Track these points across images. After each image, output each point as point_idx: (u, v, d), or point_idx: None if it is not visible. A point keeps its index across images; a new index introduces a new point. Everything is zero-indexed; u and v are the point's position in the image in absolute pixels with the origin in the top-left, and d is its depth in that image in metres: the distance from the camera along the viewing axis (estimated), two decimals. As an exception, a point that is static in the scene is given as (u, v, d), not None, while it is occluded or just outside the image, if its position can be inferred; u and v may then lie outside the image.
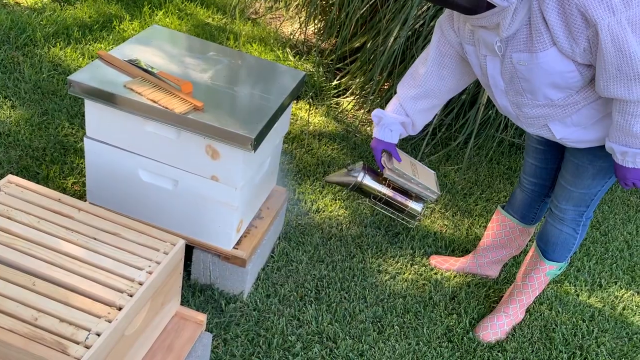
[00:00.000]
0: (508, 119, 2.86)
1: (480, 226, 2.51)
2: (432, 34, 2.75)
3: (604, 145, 1.63)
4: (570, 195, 1.80)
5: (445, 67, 1.73)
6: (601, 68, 1.39)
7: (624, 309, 2.27)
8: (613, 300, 2.30)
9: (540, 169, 1.95)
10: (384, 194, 1.89)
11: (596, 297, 2.30)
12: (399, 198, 1.90)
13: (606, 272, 2.43)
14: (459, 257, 2.30)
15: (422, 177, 1.88)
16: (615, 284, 2.39)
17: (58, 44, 2.95)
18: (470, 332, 2.01)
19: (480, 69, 1.63)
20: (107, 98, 1.61)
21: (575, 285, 2.33)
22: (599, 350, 2.06)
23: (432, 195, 1.87)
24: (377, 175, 1.90)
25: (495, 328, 2.00)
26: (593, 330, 2.14)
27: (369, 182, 1.88)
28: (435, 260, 2.25)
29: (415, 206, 1.91)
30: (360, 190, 1.89)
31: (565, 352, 2.03)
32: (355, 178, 1.86)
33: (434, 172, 1.99)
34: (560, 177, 1.82)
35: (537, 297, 2.22)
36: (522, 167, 2.03)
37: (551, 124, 1.62)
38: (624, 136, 1.48)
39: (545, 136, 1.68)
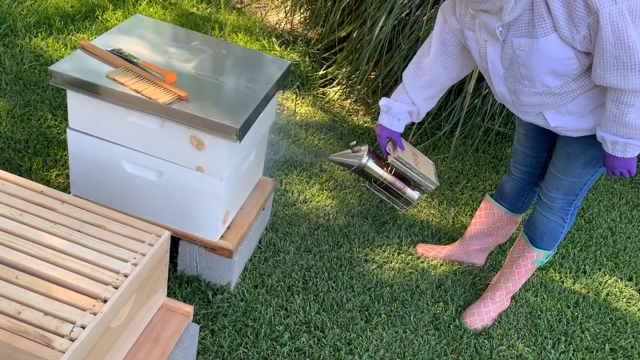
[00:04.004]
0: (494, 107, 2.87)
1: (466, 215, 2.53)
2: (417, 22, 2.75)
3: (594, 135, 1.64)
4: (561, 184, 1.82)
5: (449, 55, 1.74)
6: (599, 56, 1.40)
7: (607, 294, 2.30)
8: (597, 287, 2.33)
9: (531, 158, 1.96)
10: (385, 179, 1.91)
11: (581, 283, 2.33)
12: (399, 184, 1.93)
13: (590, 259, 2.46)
14: (446, 245, 2.31)
15: (422, 167, 1.92)
16: (600, 271, 2.42)
17: (40, 34, 2.91)
18: (457, 320, 2.02)
19: (480, 55, 1.64)
20: (89, 88, 1.59)
21: (560, 272, 2.35)
22: (583, 336, 2.09)
23: (431, 186, 1.91)
24: (380, 160, 1.93)
25: (482, 315, 2.02)
26: (577, 316, 2.17)
27: (372, 166, 1.90)
28: (422, 249, 2.26)
29: (413, 194, 1.94)
30: (362, 172, 1.92)
31: (550, 338, 2.05)
32: (360, 161, 1.89)
33: (432, 162, 2.02)
34: (551, 165, 1.84)
35: (523, 284, 2.24)
36: (512, 156, 2.04)
37: (546, 113, 1.64)
38: (616, 126, 1.50)
39: (540, 124, 1.70)
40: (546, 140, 1.90)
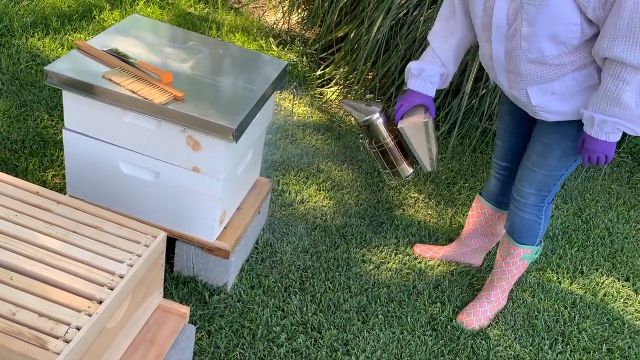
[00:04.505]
0: (492, 108, 2.87)
1: (463, 215, 2.52)
2: (415, 23, 2.75)
3: (573, 123, 1.65)
4: (534, 178, 1.80)
5: (469, 13, 1.72)
6: (611, 24, 1.39)
7: (604, 295, 2.30)
8: (594, 287, 2.33)
9: (510, 153, 1.96)
10: (387, 143, 1.85)
11: (578, 284, 2.33)
12: (397, 154, 1.87)
13: (588, 260, 2.46)
14: (443, 245, 2.31)
15: (429, 146, 1.85)
16: (597, 271, 2.42)
17: (36, 34, 2.90)
18: (454, 320, 2.02)
19: (485, 11, 1.60)
20: (85, 89, 1.58)
21: (557, 273, 2.35)
22: (580, 336, 2.09)
23: (428, 167, 1.85)
24: (389, 124, 1.86)
25: (478, 315, 2.02)
26: (575, 317, 2.17)
27: (380, 126, 1.84)
28: (419, 249, 2.26)
29: (407, 169, 1.90)
30: (368, 128, 1.85)
31: (547, 339, 2.05)
32: (372, 115, 1.83)
33: (437, 147, 1.95)
34: (525, 159, 1.83)
35: (517, 281, 2.24)
36: (493, 152, 2.06)
37: (530, 89, 1.63)
38: (609, 104, 1.49)
39: (522, 100, 1.68)
40: (525, 135, 1.90)
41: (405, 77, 1.83)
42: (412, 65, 1.79)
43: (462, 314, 2.03)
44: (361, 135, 2.05)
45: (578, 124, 1.65)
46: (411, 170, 1.90)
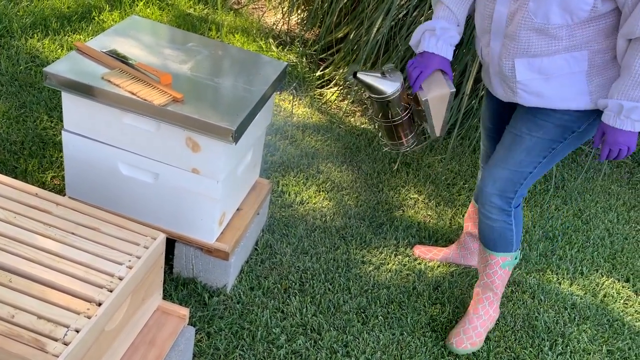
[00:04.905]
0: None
1: (463, 216, 2.52)
2: (415, 23, 2.75)
3: (549, 113, 1.60)
4: (498, 175, 1.71)
5: None
6: None
7: (604, 296, 2.30)
8: (594, 288, 2.33)
9: (490, 155, 1.95)
10: (403, 117, 1.66)
11: (578, 285, 2.33)
12: (407, 129, 1.70)
13: (587, 261, 2.46)
14: (443, 247, 2.31)
15: (448, 114, 1.68)
16: (597, 272, 2.41)
17: (36, 35, 2.90)
18: (454, 322, 2.02)
19: None
20: (84, 90, 1.58)
21: (557, 274, 2.35)
22: (580, 338, 2.09)
23: (439, 134, 1.68)
24: (405, 95, 1.66)
25: (468, 332, 1.90)
26: (575, 318, 2.16)
27: (396, 102, 1.63)
28: (419, 250, 2.26)
29: (412, 141, 1.74)
30: (386, 104, 1.64)
31: (547, 340, 2.05)
32: (392, 91, 1.60)
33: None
34: (491, 160, 1.75)
35: (517, 282, 2.24)
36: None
37: (518, 61, 1.56)
38: (638, 89, 1.41)
39: (506, 74, 1.59)
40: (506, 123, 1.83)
41: (416, 38, 1.64)
42: (430, 24, 1.61)
43: (451, 335, 1.90)
44: (369, 108, 1.78)
45: (554, 116, 1.60)
46: (415, 141, 1.75)
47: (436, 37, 1.60)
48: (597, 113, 1.60)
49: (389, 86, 1.58)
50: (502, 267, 1.88)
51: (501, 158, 1.71)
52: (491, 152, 1.94)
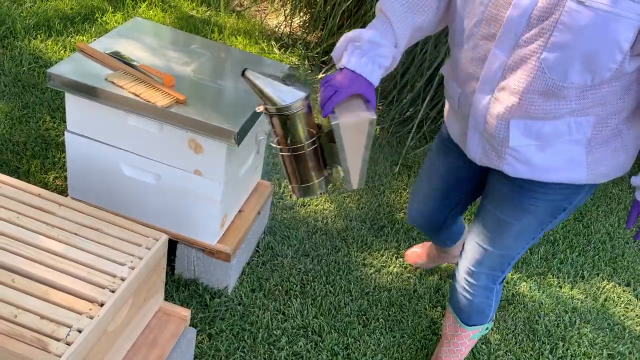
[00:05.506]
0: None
1: (464, 218, 2.53)
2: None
3: (537, 192, 1.37)
4: (486, 256, 1.51)
5: None
6: None
7: (605, 300, 2.30)
8: (595, 292, 2.33)
9: (434, 208, 1.66)
10: (306, 145, 1.24)
11: (578, 288, 2.33)
12: (315, 160, 1.27)
13: (588, 264, 2.46)
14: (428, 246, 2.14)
15: (367, 154, 1.27)
16: (598, 276, 2.41)
17: (39, 36, 2.91)
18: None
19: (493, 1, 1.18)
20: (87, 91, 1.59)
21: (558, 277, 2.35)
22: (581, 341, 2.09)
23: (355, 184, 1.29)
24: (311, 118, 1.26)
25: None
26: (575, 322, 2.16)
27: (300, 120, 1.22)
28: (410, 257, 2.20)
29: (321, 184, 1.31)
30: (284, 121, 1.22)
31: (548, 344, 2.05)
32: (287, 102, 1.20)
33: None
34: (474, 234, 1.52)
35: (518, 284, 2.24)
36: (408, 200, 1.67)
37: (515, 122, 1.25)
38: None
39: (495, 134, 1.29)
40: (460, 199, 1.61)
41: (339, 49, 1.27)
42: (356, 34, 1.25)
43: None
44: (265, 122, 1.27)
45: (543, 192, 1.36)
46: (325, 187, 1.33)
47: (361, 53, 1.24)
48: (590, 185, 1.37)
49: (287, 96, 1.19)
50: (472, 338, 1.72)
51: (486, 241, 1.48)
52: (434, 216, 1.67)
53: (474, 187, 1.61)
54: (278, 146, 1.28)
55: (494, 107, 1.26)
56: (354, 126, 1.20)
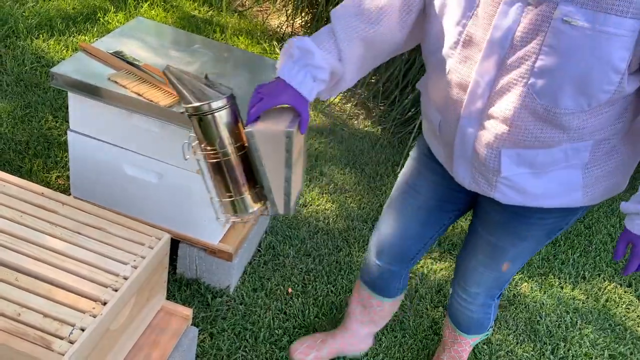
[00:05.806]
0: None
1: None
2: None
3: (531, 218, 1.31)
4: (483, 279, 1.49)
5: (411, 12, 1.17)
6: None
7: (607, 300, 2.30)
8: (596, 293, 2.33)
9: (407, 242, 1.49)
10: (224, 153, 1.13)
11: (580, 289, 2.33)
12: (238, 173, 1.15)
13: (590, 265, 2.46)
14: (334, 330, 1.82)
15: (290, 173, 1.14)
16: (599, 276, 2.42)
17: (41, 35, 2.91)
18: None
19: (476, 18, 1.08)
20: (90, 91, 1.59)
21: (559, 278, 2.35)
22: (582, 342, 2.09)
23: (280, 209, 1.16)
24: (236, 124, 1.15)
25: None
26: (577, 322, 2.17)
27: (222, 120, 1.12)
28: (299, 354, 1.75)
29: (251, 204, 1.17)
30: (198, 121, 1.13)
31: (549, 344, 2.05)
32: (209, 102, 1.11)
33: (301, 186, 1.27)
34: (471, 257, 1.47)
35: (519, 285, 2.24)
36: (373, 233, 1.55)
37: (506, 152, 1.15)
38: None
39: (486, 164, 1.19)
40: (443, 220, 1.46)
41: (281, 57, 1.16)
42: (289, 42, 1.15)
43: None
44: (191, 131, 1.19)
45: (538, 216, 1.30)
46: (255, 208, 1.18)
47: (292, 61, 1.13)
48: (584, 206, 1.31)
49: (205, 96, 1.11)
50: (472, 345, 1.75)
51: (483, 263, 1.45)
52: (408, 245, 1.51)
53: (460, 207, 1.46)
54: (197, 150, 1.17)
55: (483, 136, 1.15)
56: (271, 138, 1.09)
